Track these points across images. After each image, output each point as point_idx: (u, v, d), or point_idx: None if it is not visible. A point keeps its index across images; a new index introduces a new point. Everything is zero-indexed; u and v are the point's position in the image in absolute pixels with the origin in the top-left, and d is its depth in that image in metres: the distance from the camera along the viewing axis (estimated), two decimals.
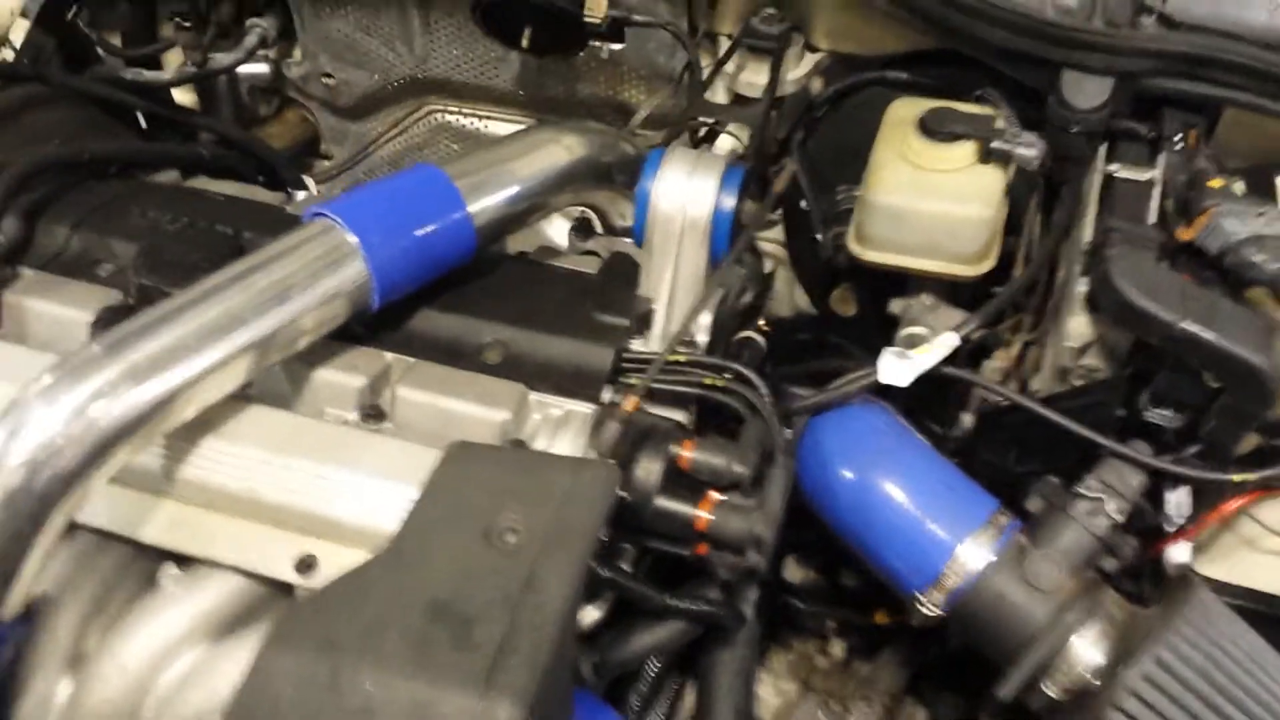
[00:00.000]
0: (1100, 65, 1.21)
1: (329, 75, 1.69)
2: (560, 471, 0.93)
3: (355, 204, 1.08)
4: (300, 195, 1.74)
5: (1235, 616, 1.03)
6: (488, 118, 1.68)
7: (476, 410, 1.05)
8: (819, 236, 1.40)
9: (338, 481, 0.97)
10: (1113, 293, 0.99)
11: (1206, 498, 1.12)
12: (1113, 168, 1.12)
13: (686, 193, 1.15)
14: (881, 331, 1.52)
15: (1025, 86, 1.28)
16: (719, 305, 1.17)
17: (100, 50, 1.61)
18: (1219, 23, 1.21)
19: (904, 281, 1.31)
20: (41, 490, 0.86)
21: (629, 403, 1.00)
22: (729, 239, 1.16)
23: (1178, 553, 1.11)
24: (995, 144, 1.19)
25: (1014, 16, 1.22)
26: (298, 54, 1.71)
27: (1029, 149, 1.19)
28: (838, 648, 1.32)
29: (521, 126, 1.66)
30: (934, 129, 1.20)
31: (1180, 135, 1.21)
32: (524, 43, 1.39)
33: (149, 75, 1.57)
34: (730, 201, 1.15)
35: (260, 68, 1.72)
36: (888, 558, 1.06)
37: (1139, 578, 1.12)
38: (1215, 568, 1.16)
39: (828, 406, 1.11)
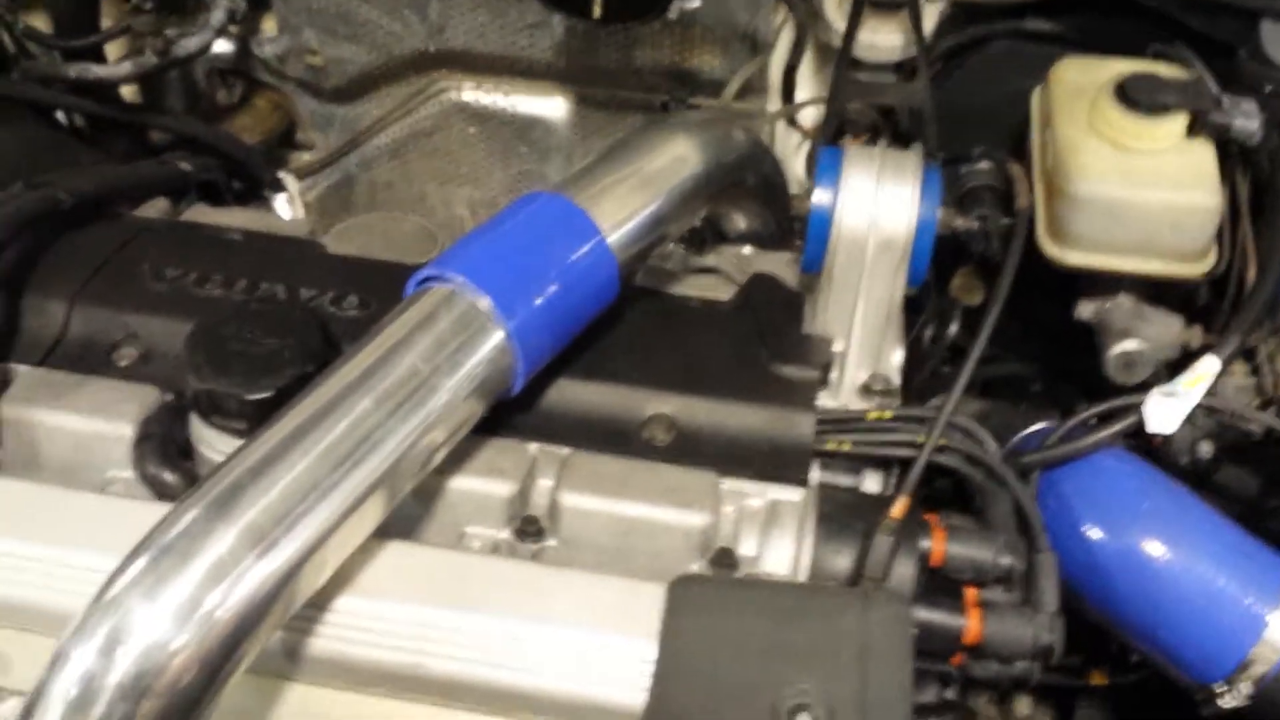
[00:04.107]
0: None
1: (314, 52, 1.39)
2: (840, 614, 0.71)
3: (474, 256, 0.83)
4: (279, 198, 1.45)
5: None
6: (515, 94, 1.41)
7: (667, 514, 0.83)
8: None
9: (532, 640, 0.73)
10: None
11: None
12: None
13: (878, 205, 0.93)
14: (1027, 330, 1.33)
15: (1205, 39, 1.08)
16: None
17: (24, 43, 1.28)
18: None
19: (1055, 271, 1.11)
20: None
21: (898, 507, 0.78)
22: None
23: None
24: (1214, 115, 1.00)
25: None
26: (271, 28, 1.40)
27: (1250, 119, 1.00)
28: (1024, 705, 1.15)
29: (559, 101, 1.41)
30: (1139, 99, 1.00)
31: None
32: (596, 12, 1.13)
33: (100, 71, 1.24)
34: (933, 212, 0.93)
35: (222, 46, 1.40)
36: (1172, 642, 0.88)
37: None
38: None
39: (1071, 457, 0.92)
